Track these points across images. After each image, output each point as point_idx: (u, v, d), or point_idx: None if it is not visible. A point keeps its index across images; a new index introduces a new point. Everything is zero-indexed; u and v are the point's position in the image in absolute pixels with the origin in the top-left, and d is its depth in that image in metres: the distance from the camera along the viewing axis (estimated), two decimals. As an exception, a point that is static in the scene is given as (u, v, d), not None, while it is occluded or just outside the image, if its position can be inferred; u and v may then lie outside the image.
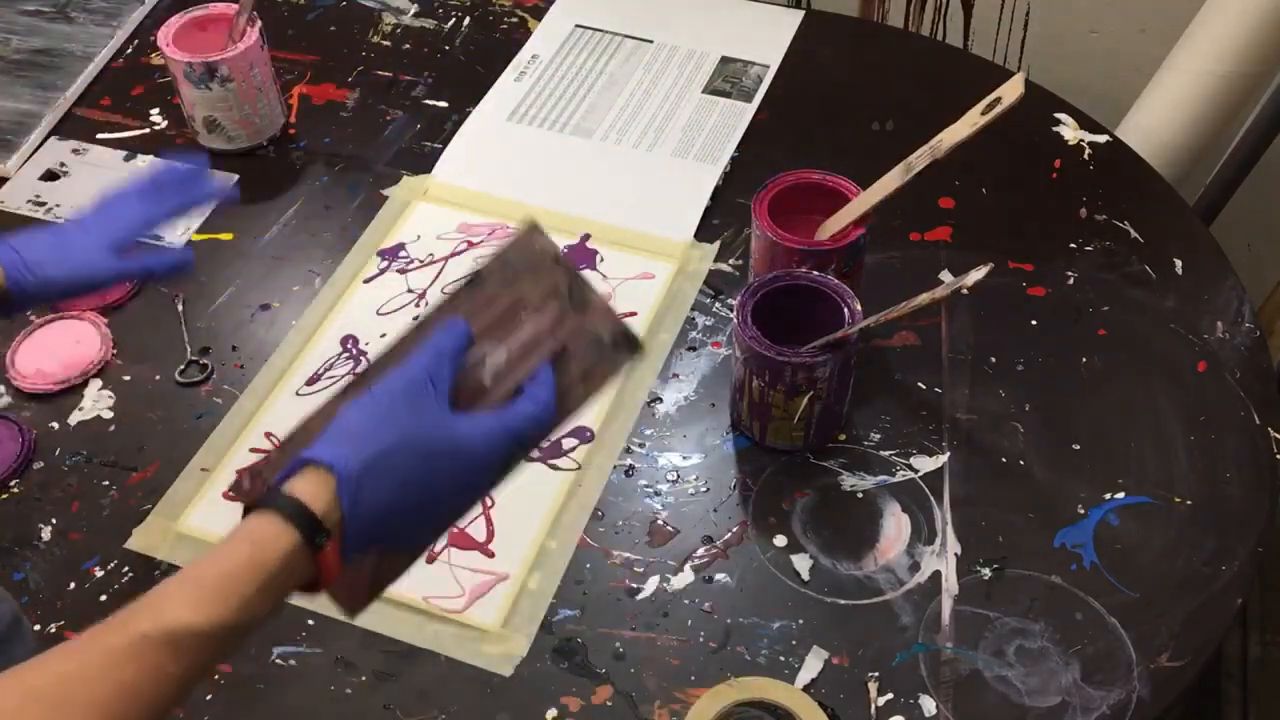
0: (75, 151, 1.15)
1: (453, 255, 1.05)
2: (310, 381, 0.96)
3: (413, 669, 0.80)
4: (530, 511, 0.87)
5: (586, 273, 0.94)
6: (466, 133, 1.16)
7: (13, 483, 0.91)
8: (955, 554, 0.84)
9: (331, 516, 0.50)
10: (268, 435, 0.93)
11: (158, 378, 0.97)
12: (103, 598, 0.84)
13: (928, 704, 0.77)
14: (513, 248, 0.64)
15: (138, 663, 0.45)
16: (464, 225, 1.08)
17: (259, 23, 1.11)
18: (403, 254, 1.05)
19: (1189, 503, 0.87)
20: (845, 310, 0.85)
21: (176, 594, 0.47)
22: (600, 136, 1.16)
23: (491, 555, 0.85)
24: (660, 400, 0.94)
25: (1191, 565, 0.83)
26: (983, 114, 0.83)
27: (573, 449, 0.91)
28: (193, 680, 0.46)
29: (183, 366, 0.98)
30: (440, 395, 0.56)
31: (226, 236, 1.08)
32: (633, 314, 0.99)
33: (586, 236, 1.06)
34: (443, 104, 1.20)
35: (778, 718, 0.77)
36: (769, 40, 1.25)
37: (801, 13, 1.28)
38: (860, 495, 0.88)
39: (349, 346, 0.99)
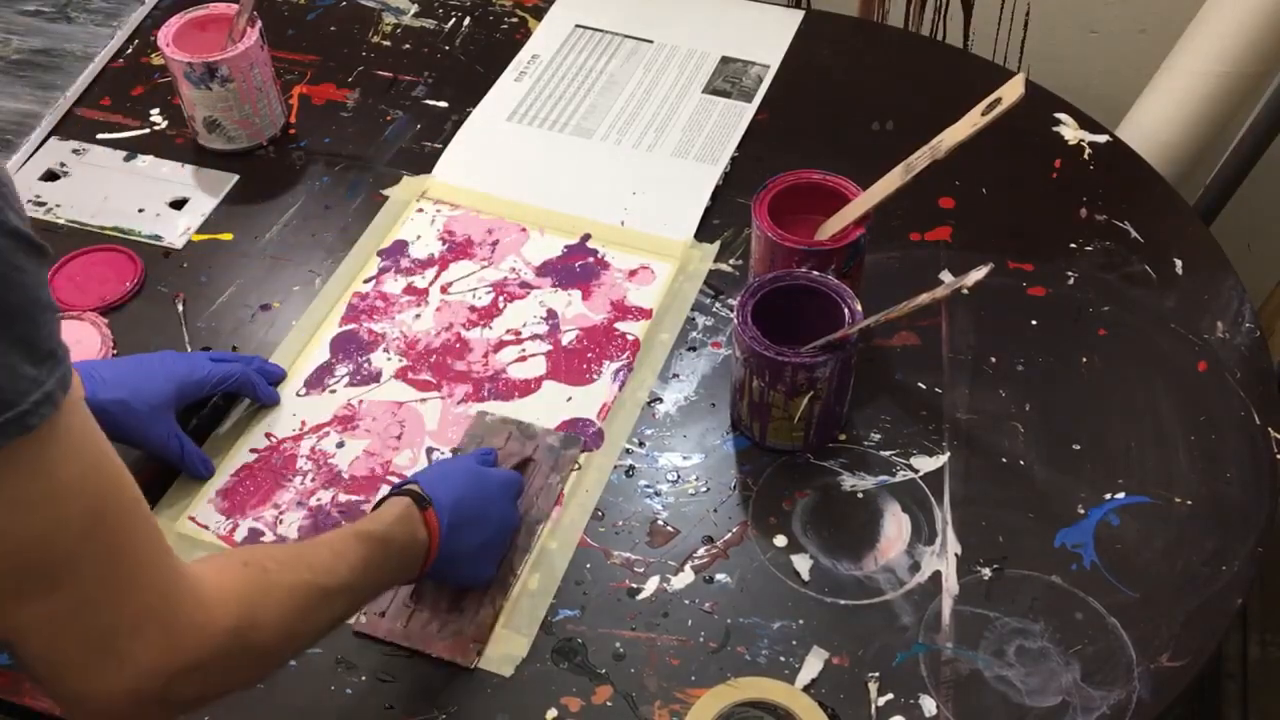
0: (75, 151, 1.15)
1: (453, 256, 1.05)
2: (311, 383, 0.96)
3: (413, 669, 0.80)
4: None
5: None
6: (466, 133, 1.16)
7: (13, 483, 0.91)
8: (955, 554, 0.84)
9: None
10: (268, 435, 0.93)
11: (158, 378, 0.97)
12: (103, 598, 0.84)
13: (928, 704, 0.77)
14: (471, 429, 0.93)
15: (337, 543, 0.70)
16: (464, 225, 1.08)
17: (259, 23, 1.11)
18: (403, 254, 1.05)
19: (1189, 503, 0.87)
20: (845, 310, 0.85)
21: (362, 521, 0.74)
22: (600, 136, 1.16)
23: (491, 555, 0.85)
24: (660, 400, 0.94)
25: (1191, 565, 0.83)
26: (983, 114, 0.83)
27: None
28: (372, 569, 0.71)
29: (183, 366, 0.98)
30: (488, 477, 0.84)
31: (226, 236, 1.08)
32: (632, 313, 1.00)
33: (586, 236, 1.06)
34: (443, 104, 1.20)
35: (778, 718, 0.77)
36: (769, 40, 1.25)
37: (801, 13, 1.28)
38: (860, 495, 0.88)
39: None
